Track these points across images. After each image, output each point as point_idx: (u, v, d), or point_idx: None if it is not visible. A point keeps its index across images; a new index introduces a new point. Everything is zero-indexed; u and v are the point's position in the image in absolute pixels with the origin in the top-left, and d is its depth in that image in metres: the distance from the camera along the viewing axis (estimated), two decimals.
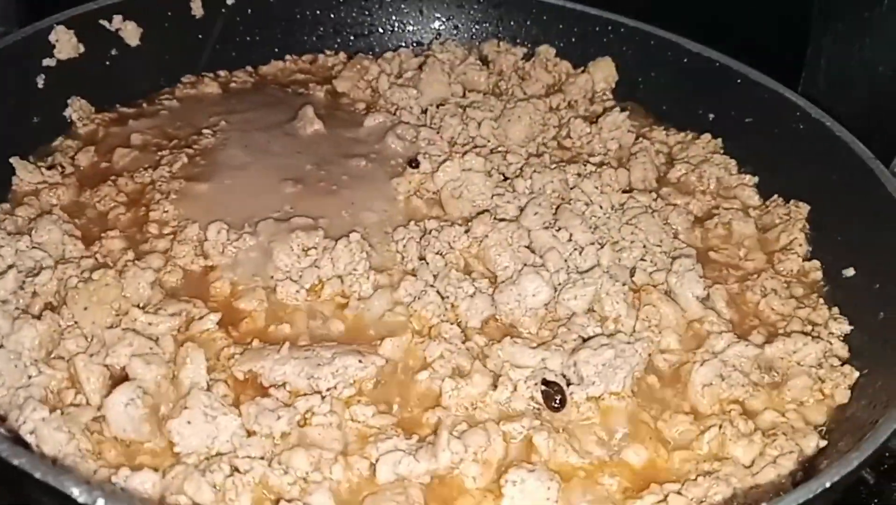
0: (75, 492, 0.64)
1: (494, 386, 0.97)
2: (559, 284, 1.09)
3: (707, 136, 1.44)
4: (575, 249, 1.13)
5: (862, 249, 1.17)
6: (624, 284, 1.09)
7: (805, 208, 1.29)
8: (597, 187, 1.24)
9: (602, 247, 1.14)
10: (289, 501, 0.82)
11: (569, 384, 0.97)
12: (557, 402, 0.95)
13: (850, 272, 1.16)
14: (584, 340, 1.01)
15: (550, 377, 0.97)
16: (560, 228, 1.16)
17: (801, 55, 1.67)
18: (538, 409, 0.96)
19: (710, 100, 1.47)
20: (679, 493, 0.87)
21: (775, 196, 1.33)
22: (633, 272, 1.13)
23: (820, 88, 1.58)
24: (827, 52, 1.63)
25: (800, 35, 1.67)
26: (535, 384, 0.96)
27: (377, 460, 0.87)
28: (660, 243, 1.17)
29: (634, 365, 0.99)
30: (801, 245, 1.24)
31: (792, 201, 1.30)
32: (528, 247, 1.13)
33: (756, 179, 1.37)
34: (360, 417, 0.92)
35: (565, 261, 1.12)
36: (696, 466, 0.92)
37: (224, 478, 0.82)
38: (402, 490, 0.85)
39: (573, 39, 1.60)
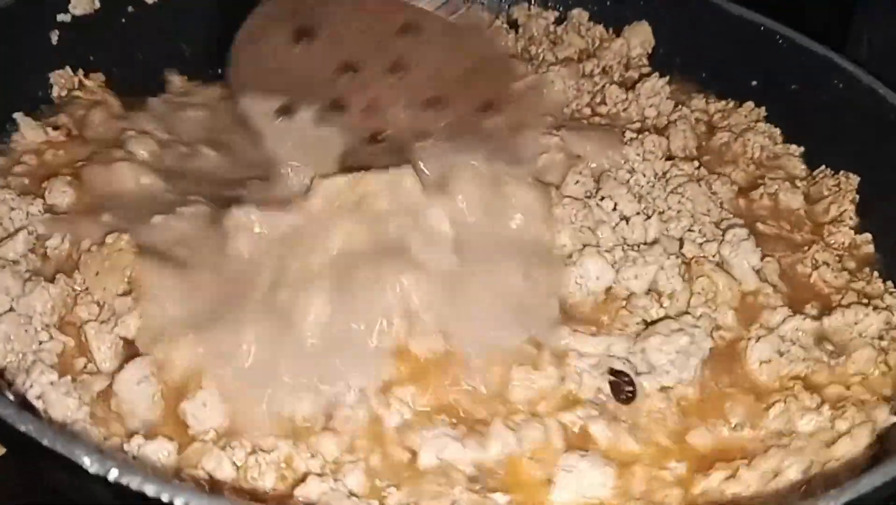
0: (86, 461, 0.59)
1: (563, 378, 0.90)
2: (615, 262, 1.02)
3: (750, 104, 1.36)
4: (622, 220, 1.07)
5: None
6: (677, 257, 1.03)
7: (855, 179, 1.22)
8: (639, 154, 1.17)
9: (649, 217, 1.07)
10: (319, 475, 0.77)
11: (637, 374, 0.91)
12: (628, 393, 0.89)
13: None
14: (648, 324, 0.95)
15: (617, 366, 0.90)
16: (603, 198, 1.09)
17: (845, 25, 1.61)
18: (604, 400, 0.89)
19: (752, 66, 1.38)
20: (750, 466, 0.82)
21: (823, 167, 1.26)
22: (681, 244, 1.06)
23: (862, 59, 1.50)
24: (871, 23, 1.57)
25: (845, 4, 1.61)
26: (602, 374, 0.90)
27: (420, 444, 0.81)
28: (707, 213, 1.10)
29: (706, 350, 0.93)
30: (851, 217, 1.17)
31: (841, 172, 1.23)
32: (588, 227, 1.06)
33: (802, 150, 1.30)
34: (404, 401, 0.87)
35: (621, 236, 1.06)
36: (764, 444, 0.87)
37: (246, 455, 0.77)
38: (444, 475, 0.79)
39: (608, 3, 1.53)
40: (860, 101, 1.23)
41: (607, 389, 0.89)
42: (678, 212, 1.10)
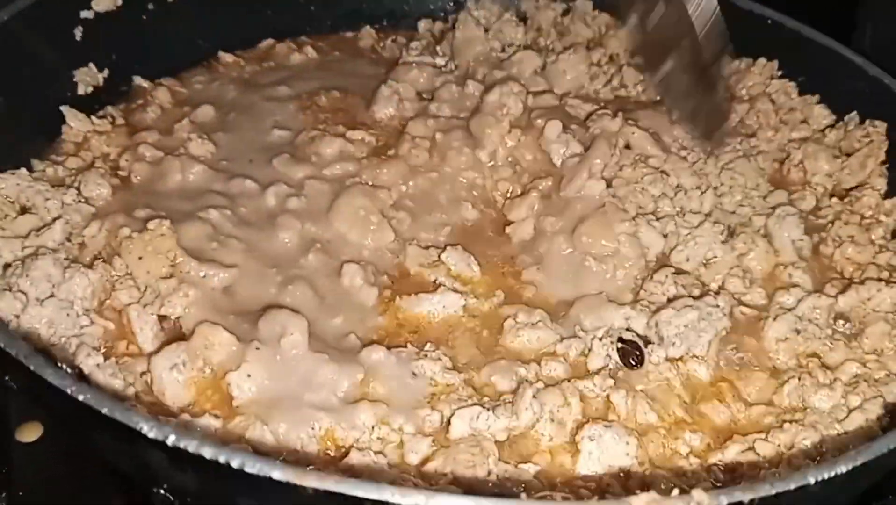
0: (145, 427, 0.62)
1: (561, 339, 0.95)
2: (666, 234, 1.08)
3: (762, 60, 1.38)
4: (680, 191, 1.12)
5: None
6: (723, 229, 1.08)
7: (882, 126, 1.23)
8: (687, 131, 1.21)
9: (704, 192, 1.12)
10: (360, 449, 0.80)
11: (647, 343, 0.94)
12: (635, 360, 0.92)
13: None
14: (670, 300, 0.99)
15: (628, 336, 0.94)
16: (665, 172, 1.14)
17: (849, 18, 1.64)
18: (615, 368, 0.93)
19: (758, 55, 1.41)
20: (766, 440, 0.85)
21: (854, 112, 1.27)
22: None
23: (867, 54, 1.52)
24: (874, 17, 1.59)
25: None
26: (612, 342, 0.94)
27: (452, 414, 0.84)
28: (756, 187, 1.15)
29: (720, 329, 0.96)
30: (882, 174, 1.20)
31: (868, 121, 1.24)
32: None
33: (818, 97, 1.32)
34: (428, 372, 0.90)
35: (679, 206, 1.11)
36: (778, 419, 0.90)
37: (286, 428, 0.80)
38: (476, 443, 0.81)
39: None
40: (866, 91, 1.26)
41: (616, 356, 0.93)
42: (730, 187, 1.15)
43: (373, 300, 0.99)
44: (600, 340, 0.94)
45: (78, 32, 1.28)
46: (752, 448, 0.85)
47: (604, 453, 0.83)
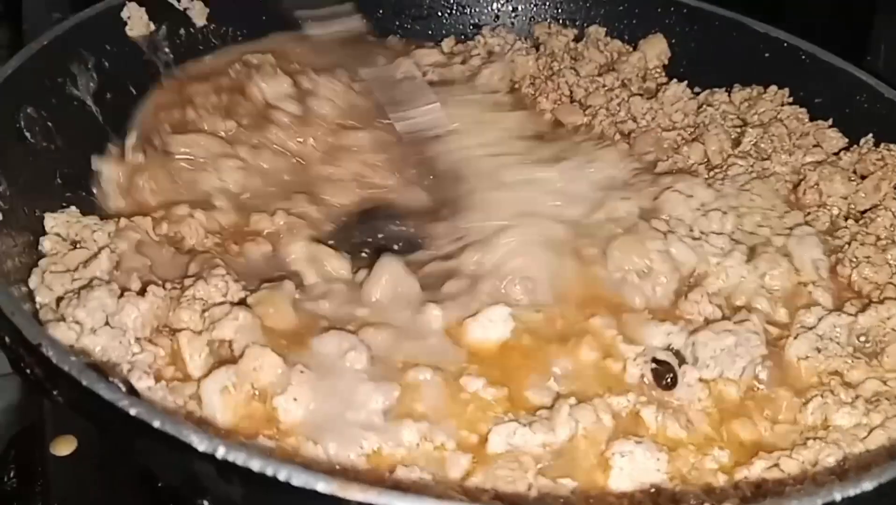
0: (195, 440, 0.64)
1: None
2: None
3: (773, 87, 1.42)
4: (702, 215, 1.16)
5: None
6: (745, 249, 1.11)
7: None
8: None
9: (725, 213, 1.16)
10: (407, 466, 0.83)
11: (682, 364, 0.97)
12: (668, 380, 0.95)
13: None
14: (708, 321, 1.02)
15: (661, 356, 0.97)
16: (687, 195, 1.18)
17: (862, 43, 1.66)
18: (648, 387, 0.96)
19: (772, 80, 1.44)
20: (790, 457, 0.87)
21: (870, 135, 1.30)
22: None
23: (881, 76, 1.55)
24: (888, 38, 1.62)
25: (863, 22, 1.66)
26: (646, 362, 0.96)
27: (490, 430, 0.87)
28: (773, 208, 1.19)
29: (756, 355, 0.98)
30: (895, 199, 1.22)
31: (883, 145, 1.27)
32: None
33: (831, 121, 1.35)
34: (471, 388, 0.93)
35: (700, 229, 1.15)
36: (802, 436, 0.92)
37: (336, 448, 0.83)
38: (514, 459, 0.84)
39: (634, 21, 1.59)
40: (882, 114, 1.29)
41: (650, 376, 0.96)
42: (749, 208, 1.18)
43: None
44: (634, 360, 0.97)
45: None
46: (777, 465, 0.87)
47: (634, 469, 0.85)
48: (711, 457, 0.89)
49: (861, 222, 1.20)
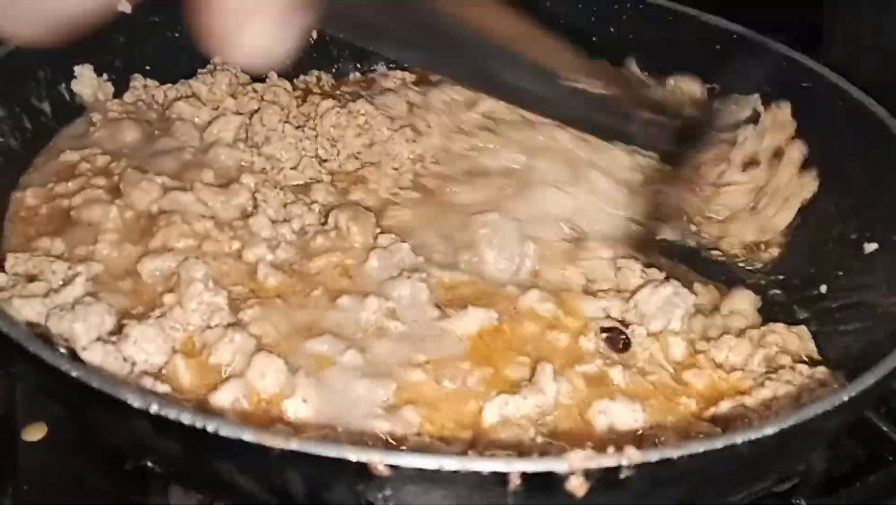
0: (129, 398, 0.69)
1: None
2: None
3: None
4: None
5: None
6: None
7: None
8: None
9: None
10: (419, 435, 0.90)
11: (626, 325, 1.05)
12: (622, 344, 1.04)
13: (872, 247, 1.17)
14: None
15: (608, 324, 1.05)
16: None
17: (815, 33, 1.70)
18: (605, 354, 1.04)
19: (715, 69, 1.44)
20: (750, 396, 0.96)
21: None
22: None
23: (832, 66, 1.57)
24: (840, 31, 1.65)
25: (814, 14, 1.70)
26: (595, 334, 1.04)
27: (485, 404, 0.94)
28: None
29: (690, 303, 1.08)
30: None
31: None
32: None
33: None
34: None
35: None
36: (756, 381, 1.01)
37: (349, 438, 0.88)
38: (513, 424, 0.92)
39: None
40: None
41: (604, 345, 1.04)
42: None
43: None
44: (584, 334, 1.05)
45: None
46: (741, 405, 0.96)
47: (615, 422, 0.93)
48: (682, 405, 0.98)
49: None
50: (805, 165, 1.28)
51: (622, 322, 1.06)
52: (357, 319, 1.03)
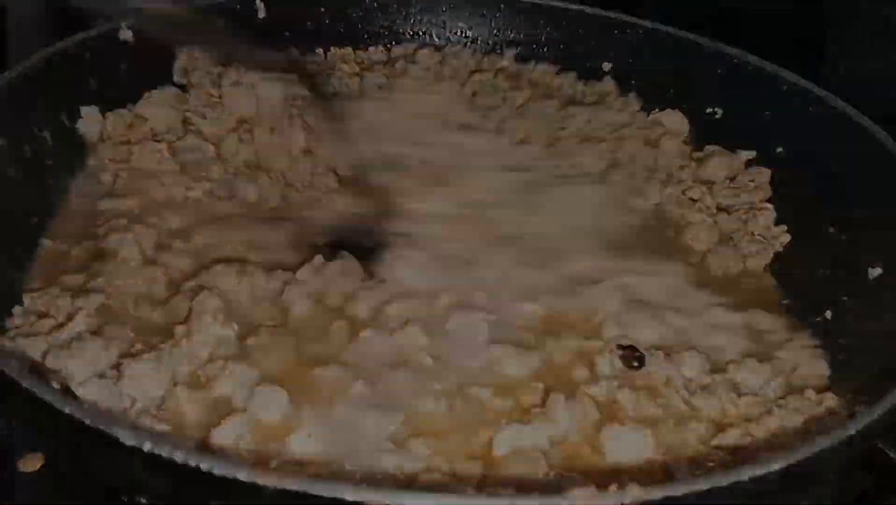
0: (121, 435, 0.67)
1: None
2: None
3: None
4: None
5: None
6: None
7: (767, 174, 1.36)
8: None
9: None
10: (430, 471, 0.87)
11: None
12: (637, 362, 1.03)
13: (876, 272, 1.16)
14: None
15: (625, 342, 1.06)
16: None
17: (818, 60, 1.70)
18: (620, 373, 1.04)
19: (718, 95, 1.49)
20: (758, 425, 0.95)
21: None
22: None
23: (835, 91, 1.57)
24: (842, 57, 1.66)
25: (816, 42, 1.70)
26: (611, 352, 1.05)
27: (494, 434, 0.92)
28: None
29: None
30: None
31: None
32: None
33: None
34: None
35: None
36: (766, 407, 0.99)
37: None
38: (524, 456, 0.90)
39: None
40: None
41: (619, 363, 1.04)
42: None
43: None
44: (600, 354, 1.05)
45: None
46: (748, 433, 0.95)
47: (625, 450, 0.92)
48: (693, 431, 0.97)
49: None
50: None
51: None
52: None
